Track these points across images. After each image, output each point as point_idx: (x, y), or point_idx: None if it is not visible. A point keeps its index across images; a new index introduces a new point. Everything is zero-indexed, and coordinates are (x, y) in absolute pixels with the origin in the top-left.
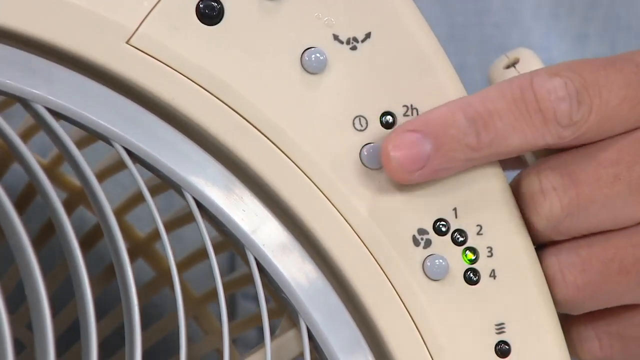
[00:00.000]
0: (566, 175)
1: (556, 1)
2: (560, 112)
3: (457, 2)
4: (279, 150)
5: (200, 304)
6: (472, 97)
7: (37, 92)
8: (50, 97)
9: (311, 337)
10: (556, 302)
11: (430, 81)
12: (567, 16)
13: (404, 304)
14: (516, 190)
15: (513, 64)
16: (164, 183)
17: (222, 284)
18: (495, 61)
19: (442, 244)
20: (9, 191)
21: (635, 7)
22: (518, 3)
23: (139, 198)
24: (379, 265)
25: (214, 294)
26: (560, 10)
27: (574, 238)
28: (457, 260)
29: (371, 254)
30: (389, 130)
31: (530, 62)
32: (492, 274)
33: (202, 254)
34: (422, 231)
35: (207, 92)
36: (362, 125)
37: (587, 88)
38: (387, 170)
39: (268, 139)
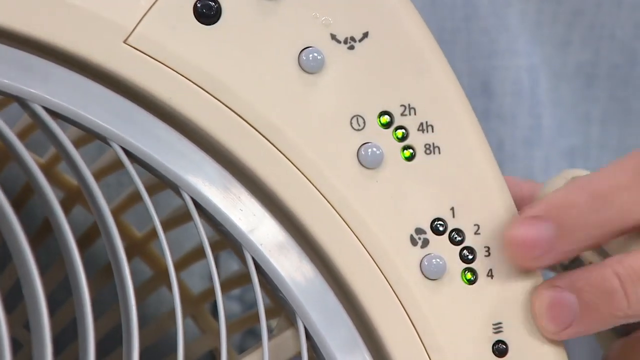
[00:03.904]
0: None
1: (539, 8)
2: None
3: (446, 8)
4: (276, 150)
5: (198, 303)
6: (592, 175)
7: (34, 91)
8: (48, 97)
9: (309, 336)
10: None
11: (427, 81)
12: (551, 22)
13: (401, 303)
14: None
15: None
16: (162, 182)
17: (220, 284)
18: (547, 183)
19: (440, 244)
20: (6, 190)
21: (620, 16)
22: (505, 8)
23: (136, 197)
24: (377, 265)
25: (211, 293)
26: (543, 17)
27: None
28: (454, 260)
29: (368, 253)
30: (387, 131)
31: None
32: (490, 274)
33: (200, 253)
34: (419, 230)
35: (205, 92)
36: (359, 125)
37: None
38: (510, 257)
39: (265, 138)
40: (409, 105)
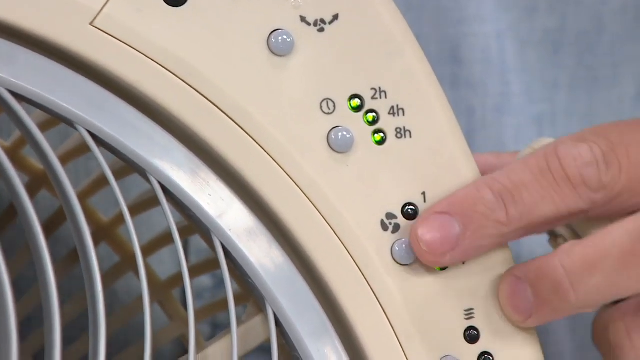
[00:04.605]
0: None
1: None
2: (588, 176)
3: None
4: (245, 134)
5: (165, 289)
6: (498, 173)
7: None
8: (13, 80)
9: (278, 322)
10: None
11: (398, 64)
12: None
13: (371, 288)
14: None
15: None
16: (129, 166)
17: (188, 269)
18: (519, 156)
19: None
20: None
21: None
22: None
23: (103, 181)
24: (347, 251)
25: (179, 278)
26: None
27: None
28: None
29: (339, 238)
30: (357, 114)
31: None
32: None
33: (168, 237)
34: (390, 215)
35: (173, 75)
36: (329, 109)
37: (614, 149)
38: (417, 255)
39: (234, 122)
40: (379, 88)
